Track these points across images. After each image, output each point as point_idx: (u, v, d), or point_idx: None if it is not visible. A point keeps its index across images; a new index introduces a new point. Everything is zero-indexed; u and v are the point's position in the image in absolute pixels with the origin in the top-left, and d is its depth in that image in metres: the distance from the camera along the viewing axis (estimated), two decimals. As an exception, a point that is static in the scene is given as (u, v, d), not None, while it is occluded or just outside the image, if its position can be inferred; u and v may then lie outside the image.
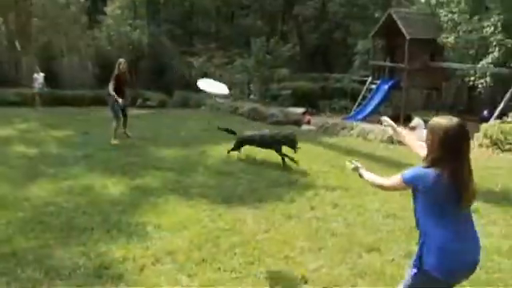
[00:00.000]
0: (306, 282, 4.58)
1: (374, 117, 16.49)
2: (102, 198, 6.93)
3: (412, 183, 3.10)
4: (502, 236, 5.93)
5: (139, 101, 18.13)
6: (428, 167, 3.04)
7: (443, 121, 3.04)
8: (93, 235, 5.55)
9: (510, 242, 5.71)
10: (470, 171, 3.03)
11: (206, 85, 12.93)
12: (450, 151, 2.98)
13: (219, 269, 4.80)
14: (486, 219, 6.46)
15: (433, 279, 3.06)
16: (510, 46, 14.93)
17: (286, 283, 4.55)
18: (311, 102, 19.43)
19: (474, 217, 3.21)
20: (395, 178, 3.22)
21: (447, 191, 2.98)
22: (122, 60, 11.02)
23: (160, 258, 4.94)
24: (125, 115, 11.15)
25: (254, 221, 6.13)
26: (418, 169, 3.09)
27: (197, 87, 13.06)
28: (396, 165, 9.64)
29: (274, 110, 16.53)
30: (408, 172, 3.12)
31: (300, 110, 17.78)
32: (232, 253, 5.15)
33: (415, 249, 5.31)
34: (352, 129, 13.71)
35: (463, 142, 3.02)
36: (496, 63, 15.15)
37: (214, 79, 15.06)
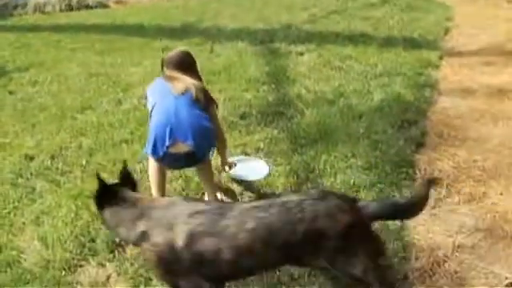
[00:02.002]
0: (31, 159, 4.57)
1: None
2: None
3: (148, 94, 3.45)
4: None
5: None
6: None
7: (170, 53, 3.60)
8: None
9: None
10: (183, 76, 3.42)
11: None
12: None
13: None
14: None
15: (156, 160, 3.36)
16: None
17: (11, 167, 4.43)
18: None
19: None
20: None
21: (162, 85, 3.38)
22: None
23: None
24: None
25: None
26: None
27: None
28: (83, 28, 9.58)
29: None
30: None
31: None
32: None
33: (124, 96, 5.77)
34: (26, 5, 12.73)
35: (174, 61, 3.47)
36: None
37: None
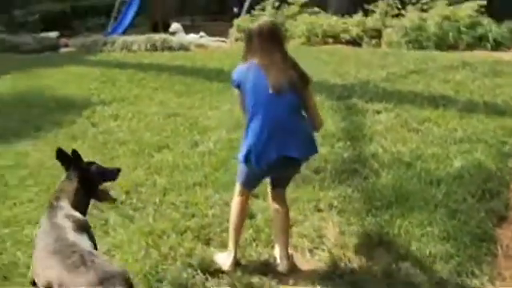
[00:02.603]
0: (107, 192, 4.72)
1: (133, 29, 16.33)
2: None
3: (235, 81, 3.29)
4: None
5: None
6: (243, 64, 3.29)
7: (254, 24, 3.40)
8: None
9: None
10: (279, 62, 3.21)
11: None
12: (255, 46, 3.26)
13: (15, 204, 4.65)
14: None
15: (249, 166, 3.29)
16: None
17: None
18: (64, 24, 18.26)
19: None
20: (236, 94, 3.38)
21: (257, 78, 3.18)
22: None
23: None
24: None
25: (37, 151, 5.92)
26: (238, 68, 3.32)
27: None
28: (165, 68, 9.97)
29: (25, 38, 15.18)
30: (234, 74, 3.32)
31: (54, 34, 16.63)
32: (24, 185, 4.98)
33: (200, 139, 5.89)
34: (114, 43, 13.44)
35: (265, 37, 3.25)
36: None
37: None
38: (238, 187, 3.47)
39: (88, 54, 13.01)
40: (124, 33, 15.67)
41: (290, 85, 3.16)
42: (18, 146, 6.16)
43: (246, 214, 3.56)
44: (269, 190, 3.55)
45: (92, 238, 2.74)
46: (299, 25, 12.35)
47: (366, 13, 12.57)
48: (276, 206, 3.50)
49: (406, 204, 4.21)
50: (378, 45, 11.85)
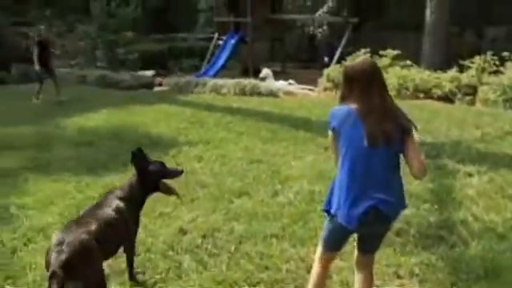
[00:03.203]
0: (184, 234, 4.76)
1: (224, 72, 16.86)
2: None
3: (331, 124, 3.06)
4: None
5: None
6: (340, 105, 3.07)
7: (350, 62, 3.18)
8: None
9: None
10: (378, 109, 2.97)
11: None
12: (354, 87, 3.00)
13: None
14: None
15: (335, 222, 3.06)
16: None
17: (165, 238, 4.67)
18: (160, 63, 19.22)
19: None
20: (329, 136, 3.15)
21: (353, 127, 2.95)
22: None
23: (31, 238, 4.76)
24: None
25: (123, 185, 6.11)
26: (335, 109, 3.08)
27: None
28: (252, 114, 10.12)
29: (124, 76, 16.15)
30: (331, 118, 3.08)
31: (150, 72, 17.56)
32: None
33: (281, 188, 5.83)
34: (205, 85, 13.92)
35: (366, 78, 3.00)
36: (331, 12, 16.23)
37: (55, 49, 14.27)
38: (319, 249, 3.26)
39: (180, 94, 13.54)
40: (216, 75, 16.21)
41: (387, 138, 2.92)
42: (106, 178, 6.41)
43: (326, 275, 3.34)
44: (355, 254, 3.33)
45: (126, 224, 3.58)
46: (390, 77, 12.14)
47: (461, 68, 12.15)
48: (361, 274, 3.28)
49: (497, 280, 3.87)
50: (473, 102, 11.36)
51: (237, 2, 18.13)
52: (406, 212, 4.94)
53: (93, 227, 3.26)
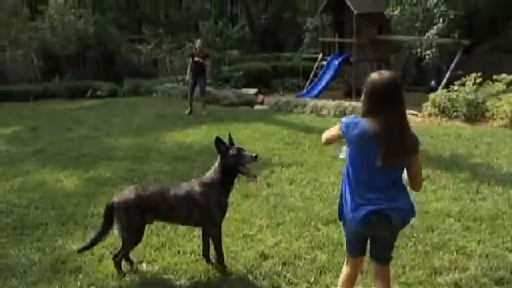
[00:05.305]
0: (265, 259, 4.64)
1: (326, 93, 16.66)
2: (56, 192, 6.78)
3: (344, 129, 3.13)
4: (452, 199, 6.13)
5: (89, 91, 17.66)
6: (362, 117, 3.12)
7: (374, 74, 3.09)
8: (47, 230, 5.45)
9: (459, 204, 5.92)
10: (398, 127, 3.01)
11: None
12: (377, 103, 3.02)
13: (178, 252, 4.81)
14: (436, 184, 6.67)
15: (347, 227, 3.34)
16: (452, 16, 15.27)
17: (246, 261, 4.58)
18: (264, 81, 19.42)
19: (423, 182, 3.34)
20: (335, 127, 3.28)
21: (370, 142, 3.02)
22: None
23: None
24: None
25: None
26: (353, 117, 3.18)
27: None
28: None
29: (226, 92, 16.47)
30: (345, 119, 3.19)
31: (253, 90, 17.77)
32: (190, 236, 5.14)
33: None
34: (305, 106, 13.80)
35: (390, 94, 3.00)
36: (441, 34, 15.50)
37: (163, 64, 14.95)
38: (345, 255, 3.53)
39: (278, 113, 13.53)
40: (318, 96, 16.06)
41: (400, 160, 3.08)
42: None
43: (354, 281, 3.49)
44: (372, 265, 3.49)
45: (202, 206, 4.26)
46: (503, 104, 11.27)
47: None
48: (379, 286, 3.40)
49: None
50: None
51: (343, 22, 17.91)
52: (510, 258, 4.47)
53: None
